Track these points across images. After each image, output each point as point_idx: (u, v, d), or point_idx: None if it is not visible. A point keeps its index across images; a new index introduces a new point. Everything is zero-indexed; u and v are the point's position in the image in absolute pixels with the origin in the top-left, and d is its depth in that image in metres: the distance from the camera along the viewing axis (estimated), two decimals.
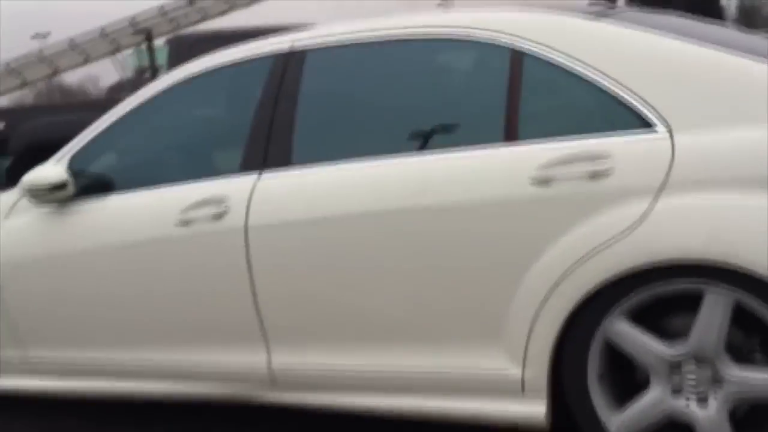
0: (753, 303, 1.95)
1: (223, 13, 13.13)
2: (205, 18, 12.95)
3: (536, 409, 2.20)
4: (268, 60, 2.66)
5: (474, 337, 2.27)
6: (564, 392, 2.19)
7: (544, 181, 2.13)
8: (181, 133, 2.93)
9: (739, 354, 2.03)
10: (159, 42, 11.79)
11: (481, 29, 2.35)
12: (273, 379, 2.55)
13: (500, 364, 2.23)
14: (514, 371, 2.21)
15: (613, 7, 2.53)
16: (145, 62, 12.09)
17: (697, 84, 2.07)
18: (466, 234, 2.24)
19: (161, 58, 12.18)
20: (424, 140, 2.40)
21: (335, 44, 2.60)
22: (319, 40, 2.62)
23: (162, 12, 12.77)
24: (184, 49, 7.32)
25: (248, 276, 2.50)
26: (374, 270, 2.37)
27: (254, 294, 2.51)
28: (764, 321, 1.97)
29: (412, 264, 2.31)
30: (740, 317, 1.99)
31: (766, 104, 1.98)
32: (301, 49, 2.62)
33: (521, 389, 2.21)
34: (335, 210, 2.40)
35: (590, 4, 2.63)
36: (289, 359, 2.53)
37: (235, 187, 2.56)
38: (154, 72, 10.77)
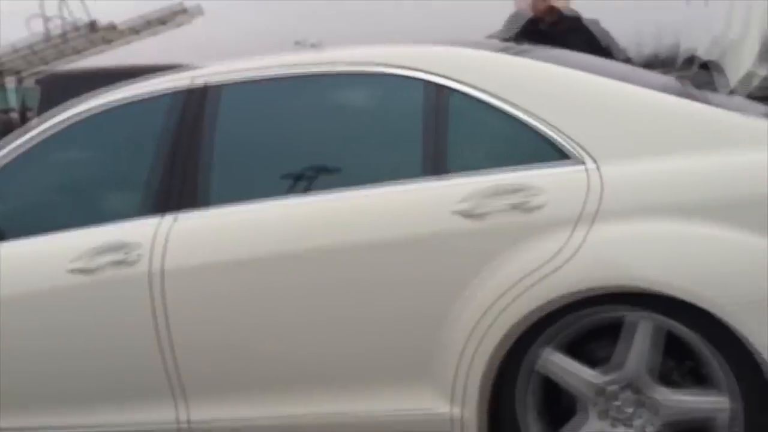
0: (679, 328, 2.03)
1: (81, 51, 12.57)
2: (61, 56, 12.35)
3: None
4: (168, 97, 2.53)
5: (402, 377, 2.21)
6: (500, 426, 2.18)
7: (470, 214, 2.13)
8: (77, 174, 2.72)
9: (665, 378, 2.09)
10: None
11: (398, 64, 2.34)
12: None
13: (430, 404, 2.19)
14: (443, 409, 2.17)
15: (520, 44, 2.61)
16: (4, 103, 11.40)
17: (617, 117, 2.15)
18: (391, 271, 2.20)
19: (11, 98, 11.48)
20: (344, 177, 2.35)
21: (243, 80, 2.50)
22: (225, 76, 2.52)
23: (15, 50, 12.05)
24: (57, 88, 6.97)
25: (164, 325, 2.33)
26: (296, 314, 2.28)
27: (170, 344, 2.34)
28: (689, 346, 2.04)
29: (335, 306, 2.25)
30: (666, 342, 2.06)
31: (681, 135, 2.08)
32: (204, 85, 2.50)
33: (450, 428, 2.18)
34: (251, 252, 2.29)
35: (488, 37, 2.70)
36: (208, 413, 2.37)
37: (142, 230, 2.40)
38: (23, 113, 10.13)
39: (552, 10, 3.47)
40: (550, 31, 3.38)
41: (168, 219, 2.40)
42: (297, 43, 2.93)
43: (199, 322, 2.34)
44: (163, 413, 2.39)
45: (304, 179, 2.40)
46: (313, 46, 2.79)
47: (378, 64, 2.37)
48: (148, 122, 2.56)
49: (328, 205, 2.29)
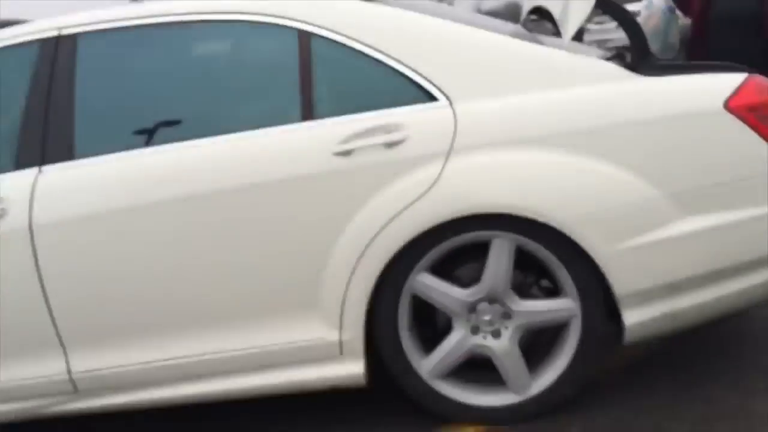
0: (531, 245, 2.29)
1: None
2: None
3: (355, 368, 2.36)
4: (34, 47, 2.51)
5: (292, 311, 2.37)
6: (379, 349, 2.39)
7: (345, 154, 2.30)
8: None
9: (522, 290, 2.37)
10: None
11: (262, 12, 2.43)
12: (75, 387, 2.45)
13: (319, 333, 2.36)
14: (332, 337, 2.35)
15: None
16: None
17: (470, 59, 2.35)
18: (274, 211, 2.33)
19: None
20: (219, 123, 2.42)
21: (112, 28, 2.51)
22: (93, 26, 2.52)
23: None
24: None
25: (37, 279, 2.38)
26: (178, 258, 2.37)
27: (45, 297, 2.39)
28: (542, 261, 2.31)
29: (219, 248, 2.36)
30: (521, 259, 2.32)
31: (527, 74, 2.31)
32: (71, 34, 2.50)
33: (339, 352, 2.37)
34: (130, 200, 2.36)
35: None
36: (90, 363, 2.43)
37: (11, 184, 2.41)
38: None
39: None
40: None
41: (33, 172, 2.42)
42: None
43: (72, 274, 2.39)
44: (52, 365, 2.44)
45: (173, 129, 2.45)
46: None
47: (242, 12, 2.45)
48: (12, 73, 2.53)
49: (209, 150, 2.37)
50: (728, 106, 2.22)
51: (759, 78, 2.30)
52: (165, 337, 2.40)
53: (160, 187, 2.36)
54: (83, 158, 2.43)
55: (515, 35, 2.48)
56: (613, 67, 2.33)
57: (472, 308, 2.36)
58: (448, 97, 2.31)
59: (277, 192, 2.32)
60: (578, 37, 2.80)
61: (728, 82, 2.26)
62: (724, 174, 2.26)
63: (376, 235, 2.28)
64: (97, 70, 2.52)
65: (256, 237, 2.35)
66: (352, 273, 2.31)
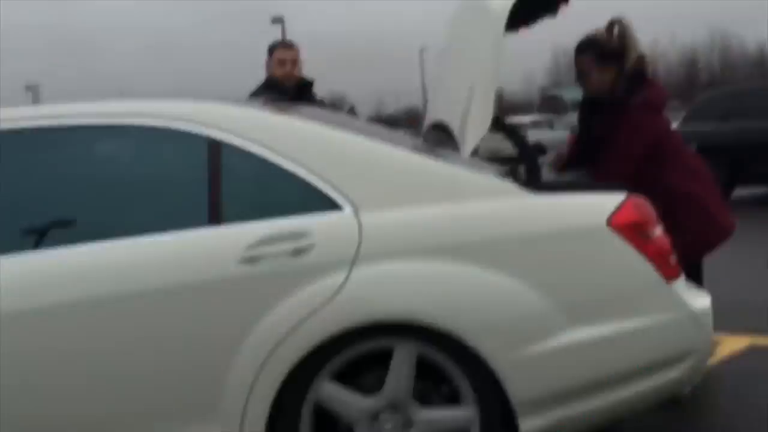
0: (433, 353, 2.34)
1: None
2: None
3: None
4: None
5: (193, 419, 2.31)
6: None
7: (251, 260, 2.32)
8: None
9: (423, 398, 2.39)
10: None
11: (177, 117, 2.48)
12: None
13: None
14: None
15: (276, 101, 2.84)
16: None
17: (377, 171, 2.44)
18: (175, 317, 2.31)
19: None
20: (121, 226, 2.40)
21: (19, 129, 2.49)
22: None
23: None
24: None
25: None
26: (76, 366, 2.29)
27: None
28: (442, 368, 2.35)
29: (120, 354, 2.30)
30: (421, 366, 2.36)
31: (427, 187, 2.42)
32: None
33: None
34: (21, 304, 2.29)
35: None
36: None
37: None
38: None
39: (290, 75, 3.98)
40: (289, 90, 3.91)
41: None
42: None
43: None
44: None
45: (76, 231, 2.41)
46: None
47: (152, 116, 2.48)
48: None
49: (112, 253, 2.34)
50: (611, 223, 2.40)
51: (638, 198, 2.50)
52: None
53: (60, 290, 2.30)
54: None
55: (417, 150, 2.62)
56: (508, 184, 2.48)
57: (374, 417, 2.37)
58: (354, 206, 2.39)
59: (180, 297, 2.30)
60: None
61: (611, 201, 2.45)
62: (609, 286, 2.41)
63: (279, 343, 2.28)
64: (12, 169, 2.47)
65: (157, 344, 2.30)
66: (255, 381, 2.28)
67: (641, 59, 3.15)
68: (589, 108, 3.33)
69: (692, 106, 10.65)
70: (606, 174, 2.95)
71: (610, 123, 3.13)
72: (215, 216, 2.39)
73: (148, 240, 2.36)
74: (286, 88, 3.90)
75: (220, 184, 2.41)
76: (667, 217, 2.57)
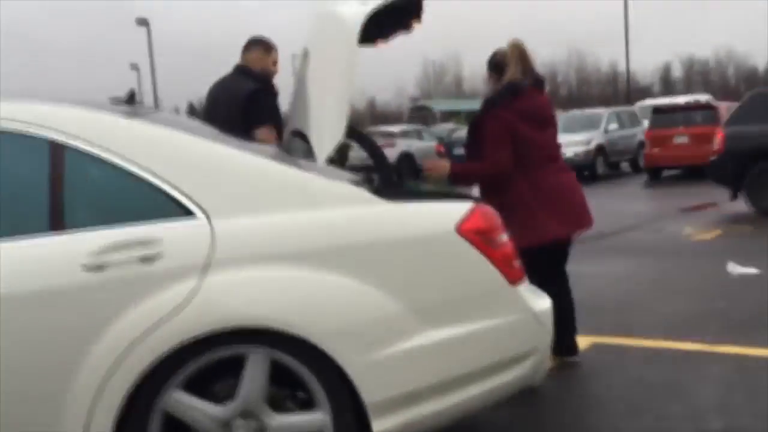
0: (286, 359, 2.34)
1: None
2: None
3: None
4: None
5: (33, 428, 2.22)
6: None
7: (97, 267, 2.25)
8: None
9: (277, 404, 2.40)
10: None
11: (19, 119, 2.37)
12: None
13: None
14: None
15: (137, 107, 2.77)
16: None
17: (228, 178, 2.43)
18: (15, 326, 2.20)
19: None
20: None
21: None
22: None
23: None
24: None
25: None
26: None
27: None
28: (295, 373, 2.37)
29: None
30: (275, 372, 2.37)
31: (278, 194, 2.43)
32: None
33: None
34: None
35: (111, 101, 2.83)
36: None
37: None
38: None
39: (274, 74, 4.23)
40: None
41: None
42: None
43: None
44: None
45: None
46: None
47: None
48: None
49: None
50: (459, 229, 2.50)
51: (484, 206, 2.62)
52: None
53: None
54: None
55: (274, 157, 2.62)
56: (361, 191, 2.53)
57: (226, 424, 2.34)
58: (206, 213, 2.36)
59: (19, 306, 2.20)
60: (345, 154, 3.03)
61: (459, 208, 2.55)
62: (458, 290, 2.50)
63: (126, 352, 2.22)
64: None
65: None
66: (99, 392, 2.21)
67: (526, 73, 3.63)
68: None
69: (739, 106, 9.50)
70: (483, 163, 3.53)
71: (481, 120, 3.65)
72: (57, 222, 2.30)
73: None
74: (271, 83, 4.11)
75: (63, 189, 2.32)
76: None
